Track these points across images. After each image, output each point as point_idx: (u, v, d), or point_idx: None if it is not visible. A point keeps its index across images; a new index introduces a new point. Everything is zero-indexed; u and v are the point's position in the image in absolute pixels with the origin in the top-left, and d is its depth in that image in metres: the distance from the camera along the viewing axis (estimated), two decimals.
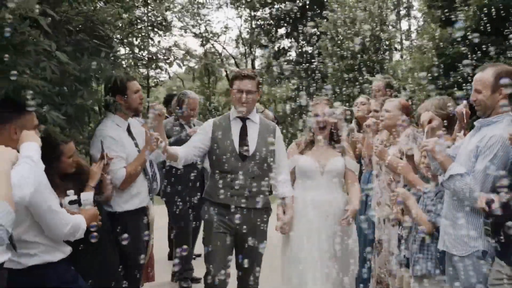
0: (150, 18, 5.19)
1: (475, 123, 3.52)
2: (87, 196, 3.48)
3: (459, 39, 9.70)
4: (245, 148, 4.24)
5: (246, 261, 4.08)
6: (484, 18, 9.66)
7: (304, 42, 29.22)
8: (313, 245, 4.34)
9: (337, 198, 4.53)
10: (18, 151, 2.69)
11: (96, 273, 3.67)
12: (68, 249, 3.25)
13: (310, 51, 27.36)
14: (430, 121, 3.84)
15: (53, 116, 3.29)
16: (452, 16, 9.49)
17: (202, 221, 4.42)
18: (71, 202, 3.42)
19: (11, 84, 2.96)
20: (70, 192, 3.47)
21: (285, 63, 27.30)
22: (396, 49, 22.93)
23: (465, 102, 3.83)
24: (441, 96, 4.25)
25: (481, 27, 9.42)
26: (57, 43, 3.49)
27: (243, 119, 4.38)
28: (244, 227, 4.13)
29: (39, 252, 3.05)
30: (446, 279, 3.58)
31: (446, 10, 11.83)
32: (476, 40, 4.64)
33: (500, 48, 10.17)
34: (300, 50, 28.86)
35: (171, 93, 7.96)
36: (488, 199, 3.05)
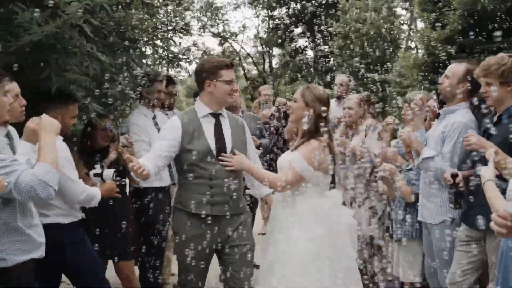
0: (171, 22, 5.83)
1: (440, 111, 4.18)
2: (108, 172, 4.14)
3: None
4: (222, 148, 3.74)
5: (235, 275, 3.71)
6: (470, 20, 10.31)
7: (320, 41, 29.76)
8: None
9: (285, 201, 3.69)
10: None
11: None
12: (80, 215, 3.91)
13: (326, 50, 27.90)
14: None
15: (94, 106, 4.02)
16: (441, 19, 10.11)
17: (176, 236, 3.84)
18: (95, 175, 4.13)
19: (62, 80, 3.66)
20: (97, 166, 4.21)
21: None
22: (410, 47, 23.39)
23: (434, 97, 4.47)
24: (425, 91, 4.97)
25: (467, 29, 10.12)
26: (95, 44, 4.17)
27: (216, 115, 3.85)
28: (231, 237, 3.74)
29: (54, 214, 3.71)
30: (423, 244, 4.22)
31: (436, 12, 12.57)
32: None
33: (483, 48, 10.85)
34: (315, 49, 29.35)
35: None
36: (453, 173, 3.69)
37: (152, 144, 4.26)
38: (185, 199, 3.74)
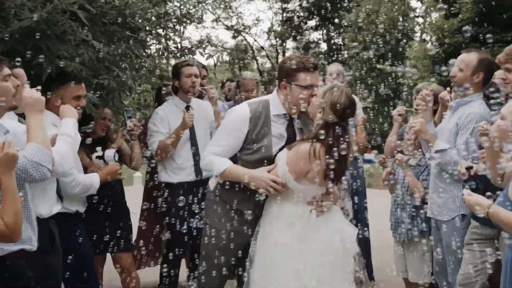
0: (175, 11, 5.68)
1: (452, 103, 3.97)
2: (109, 153, 4.01)
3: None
4: None
5: None
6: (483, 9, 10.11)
7: (334, 34, 29.52)
8: None
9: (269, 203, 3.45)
10: None
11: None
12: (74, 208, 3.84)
13: (339, 42, 27.69)
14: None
15: (89, 96, 3.88)
16: (453, 9, 9.93)
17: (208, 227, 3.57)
18: (97, 157, 4.01)
19: (54, 66, 3.52)
20: (98, 148, 4.07)
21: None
22: (425, 40, 23.07)
23: (448, 89, 4.26)
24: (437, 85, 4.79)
25: (478, 19, 9.94)
26: (93, 34, 4.03)
27: (290, 118, 3.49)
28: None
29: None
30: (433, 242, 4.02)
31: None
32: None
33: (495, 38, 10.63)
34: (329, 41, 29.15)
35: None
36: (467, 166, 3.48)
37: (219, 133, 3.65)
38: (229, 191, 3.46)
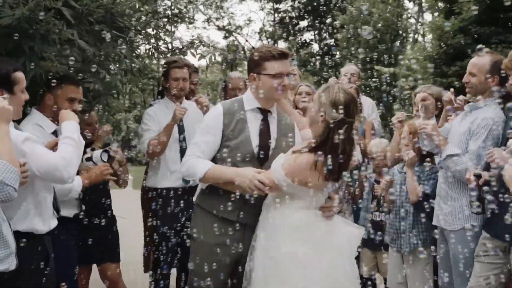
0: (165, 10, 5.47)
1: (465, 107, 3.78)
2: (96, 154, 3.79)
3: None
4: (264, 148, 3.29)
5: None
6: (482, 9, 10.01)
7: (326, 34, 29.42)
8: None
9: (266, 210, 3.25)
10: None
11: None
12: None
13: (332, 43, 27.59)
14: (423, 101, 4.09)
15: None
16: (455, 8, 9.78)
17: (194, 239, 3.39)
18: (87, 159, 3.78)
19: (39, 69, 3.30)
20: (88, 149, 3.86)
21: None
22: (417, 40, 23.00)
23: (452, 90, 4.07)
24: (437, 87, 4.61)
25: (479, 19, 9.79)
26: (79, 33, 3.82)
27: (264, 112, 3.39)
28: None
29: None
30: (438, 253, 3.82)
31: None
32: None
33: (499, 38, 10.48)
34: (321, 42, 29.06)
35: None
36: (476, 173, 3.28)
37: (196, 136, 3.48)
38: (209, 199, 3.31)
